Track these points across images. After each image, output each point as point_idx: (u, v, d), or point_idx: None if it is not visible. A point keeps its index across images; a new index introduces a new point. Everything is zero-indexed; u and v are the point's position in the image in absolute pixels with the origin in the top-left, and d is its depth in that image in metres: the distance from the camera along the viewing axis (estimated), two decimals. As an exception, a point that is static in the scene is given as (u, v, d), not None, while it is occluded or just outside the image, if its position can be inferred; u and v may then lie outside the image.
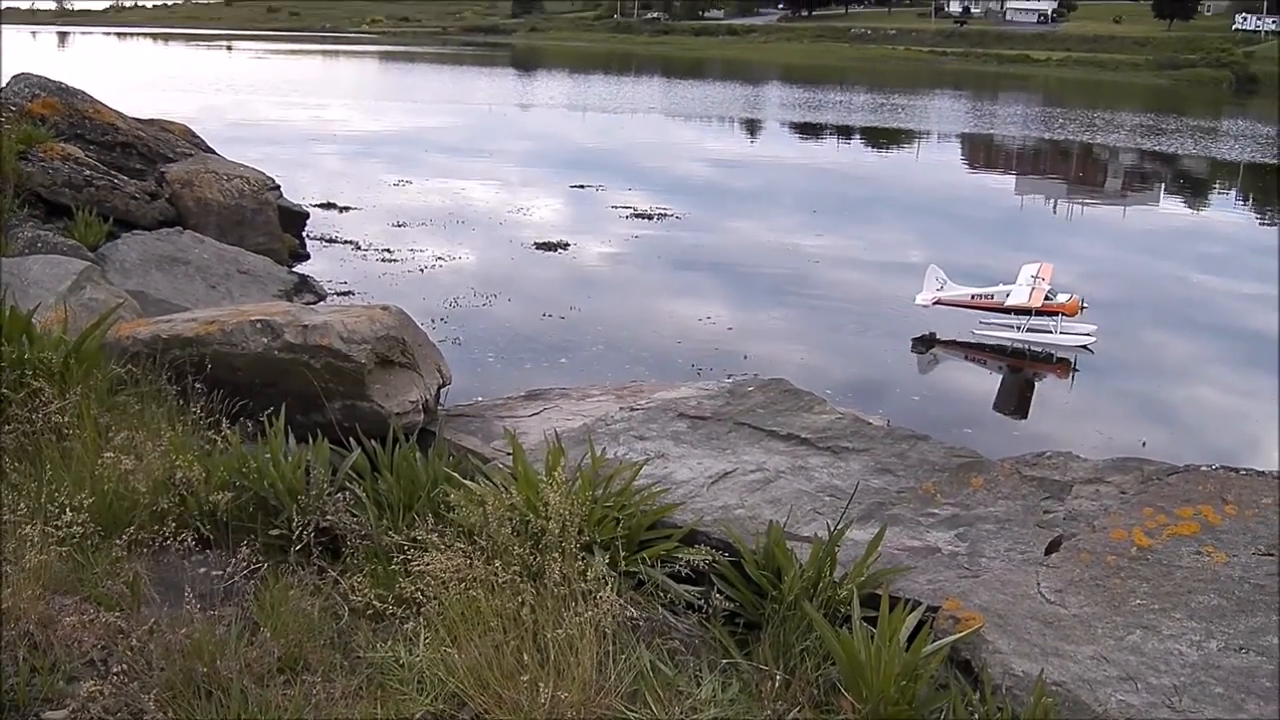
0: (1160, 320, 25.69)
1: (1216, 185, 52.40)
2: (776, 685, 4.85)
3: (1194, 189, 51.08)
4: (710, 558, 5.75)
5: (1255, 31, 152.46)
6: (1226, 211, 46.55)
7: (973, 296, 20.99)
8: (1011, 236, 35.19)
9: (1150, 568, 5.79)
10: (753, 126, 66.62)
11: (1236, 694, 4.91)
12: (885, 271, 27.75)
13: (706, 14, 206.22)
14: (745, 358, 19.21)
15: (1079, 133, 61.66)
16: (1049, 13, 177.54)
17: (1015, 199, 45.19)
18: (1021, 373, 20.08)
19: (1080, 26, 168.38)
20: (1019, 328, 20.65)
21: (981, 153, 58.92)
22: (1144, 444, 15.95)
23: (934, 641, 5.03)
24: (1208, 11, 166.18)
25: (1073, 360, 20.36)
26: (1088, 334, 20.69)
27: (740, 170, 45.47)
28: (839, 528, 5.81)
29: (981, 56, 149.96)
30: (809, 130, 64.56)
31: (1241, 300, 28.37)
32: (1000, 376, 19.91)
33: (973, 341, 20.88)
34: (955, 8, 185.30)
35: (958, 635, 5.20)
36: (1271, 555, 5.86)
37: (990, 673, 5.04)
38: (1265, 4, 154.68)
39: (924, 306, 21.29)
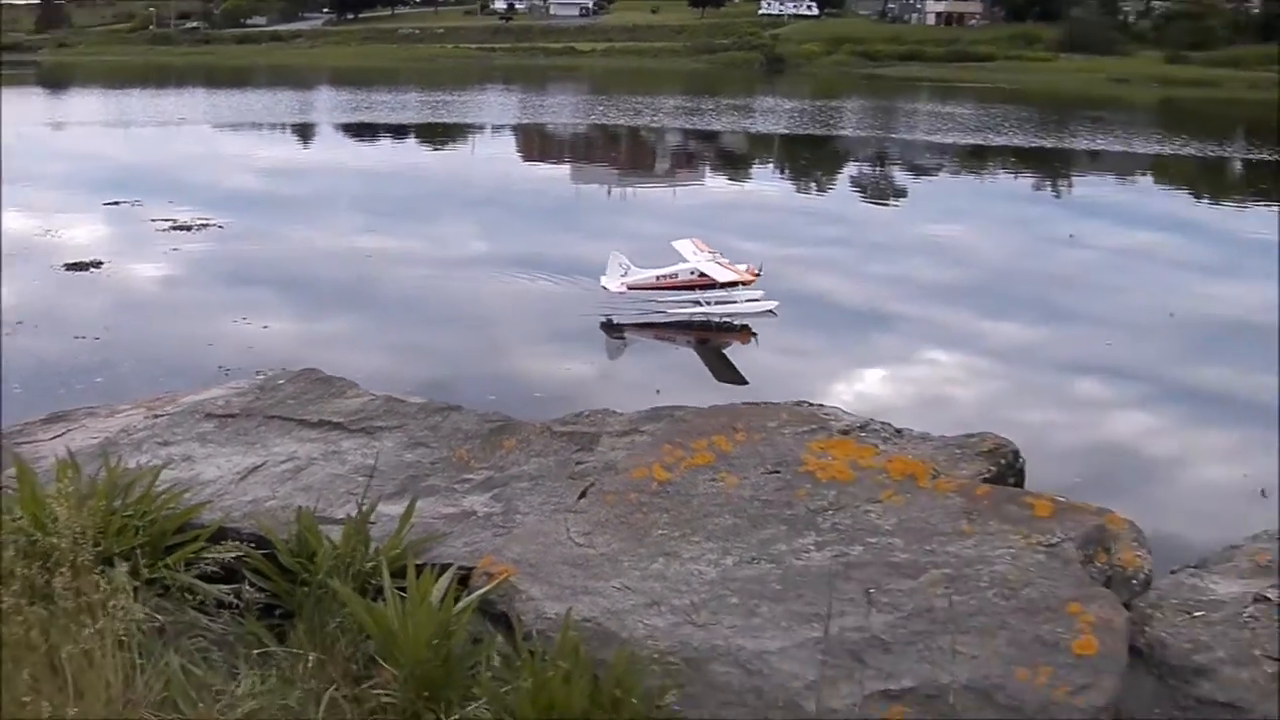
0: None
1: (756, 160, 55.76)
2: (310, 666, 4.77)
3: (735, 164, 54.21)
4: (241, 552, 5.59)
5: (780, 15, 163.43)
6: (765, 183, 49.77)
7: (658, 278, 21.16)
8: (570, 222, 36.23)
9: (670, 499, 6.07)
10: (304, 132, 65.26)
11: (750, 600, 5.25)
12: (449, 266, 27.97)
13: (248, 21, 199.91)
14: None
15: (626, 118, 64.02)
16: (590, 6, 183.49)
17: (572, 187, 46.46)
18: (709, 343, 20.51)
19: (620, 17, 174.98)
20: (708, 302, 21.02)
21: (536, 144, 60.26)
22: None
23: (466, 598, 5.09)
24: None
25: (753, 326, 21.00)
26: (769, 300, 21.21)
27: (293, 177, 44.37)
28: (368, 505, 5.78)
29: (529, 50, 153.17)
30: (362, 132, 63.85)
31: (790, 264, 30.49)
32: (692, 350, 20.28)
33: (660, 321, 21.10)
34: (500, 4, 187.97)
35: (486, 589, 5.28)
36: (778, 472, 6.28)
37: (524, 619, 5.15)
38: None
39: (620, 293, 21.14)
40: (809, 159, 55.04)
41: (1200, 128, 74.32)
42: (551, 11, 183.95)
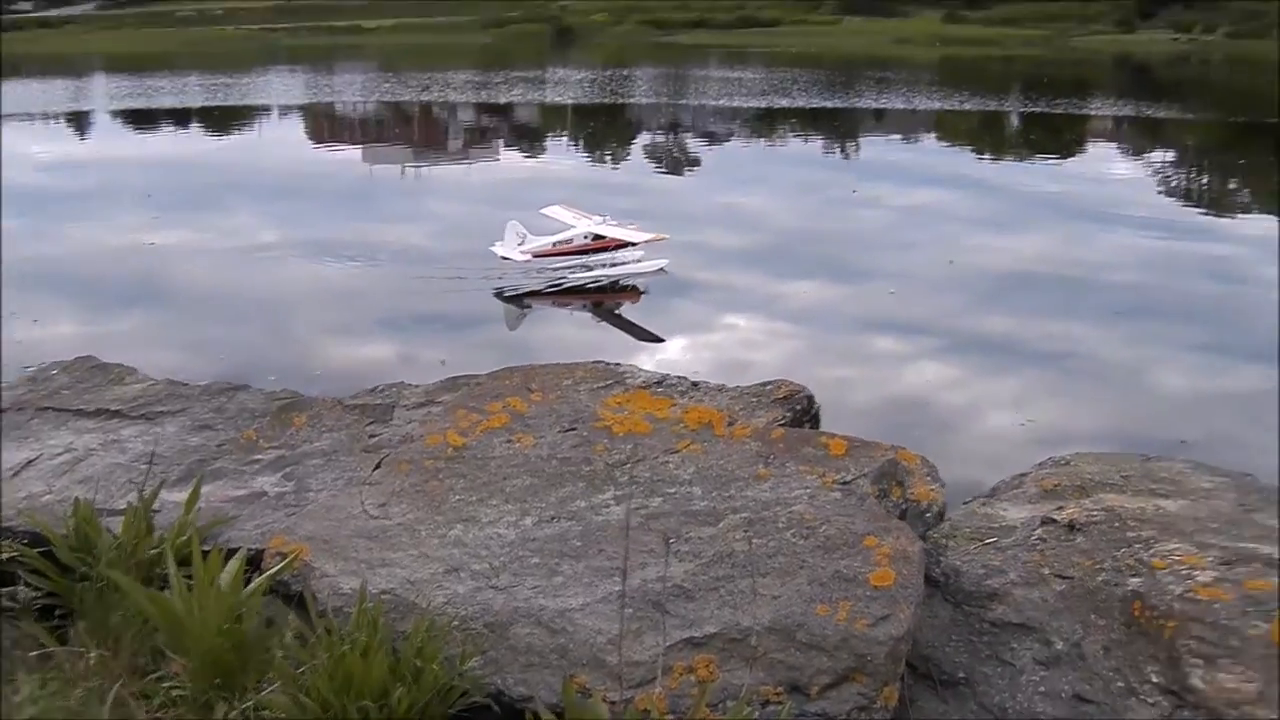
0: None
1: (550, 133, 55.61)
2: (92, 663, 4.56)
3: (530, 138, 53.99)
4: (15, 552, 5.31)
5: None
6: (560, 156, 49.72)
7: (555, 244, 20.67)
8: (365, 205, 35.56)
9: (466, 464, 6.01)
10: (79, 123, 62.40)
11: (551, 559, 5.22)
12: (240, 257, 27.22)
13: (13, 6, 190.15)
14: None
15: (415, 94, 62.68)
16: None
17: (365, 168, 45.62)
18: (603, 305, 20.16)
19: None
20: (607, 264, 20.65)
21: (325, 126, 58.88)
22: None
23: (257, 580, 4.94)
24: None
25: (643, 286, 20.67)
26: (660, 259, 20.92)
27: (67, 171, 42.39)
28: (149, 491, 5.55)
29: (313, 29, 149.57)
30: (142, 121, 61.31)
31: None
32: (589, 314, 19.88)
33: (554, 289, 20.67)
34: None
35: (276, 569, 5.13)
36: (575, 429, 6.27)
37: (320, 597, 5.02)
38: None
39: (521, 261, 20.50)
40: (602, 130, 55.03)
41: (979, 84, 77.01)
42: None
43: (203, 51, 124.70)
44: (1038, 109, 61.11)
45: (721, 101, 57.10)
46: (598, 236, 20.78)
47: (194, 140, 54.35)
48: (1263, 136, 52.83)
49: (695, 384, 8.86)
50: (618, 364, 7.47)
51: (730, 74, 75.21)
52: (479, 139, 54.46)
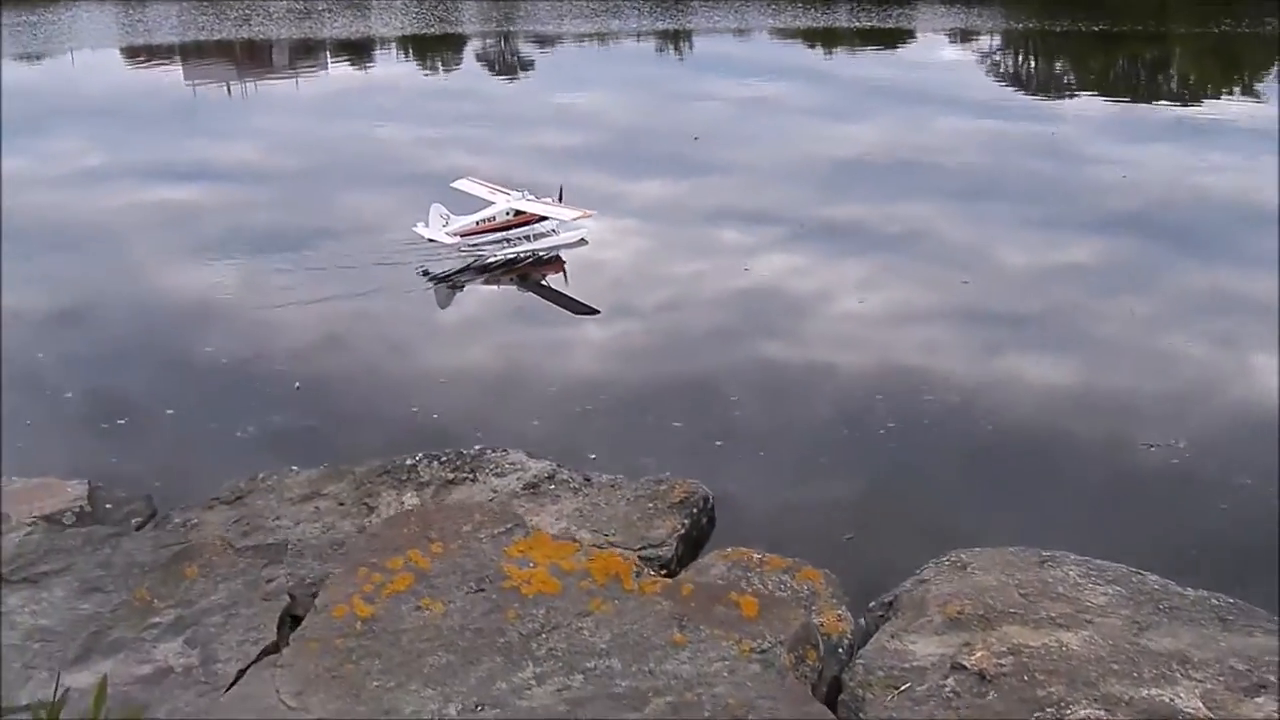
0: (352, 178, 26.67)
1: (378, 47, 54.23)
2: None
3: (357, 50, 52.67)
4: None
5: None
6: (390, 66, 48.74)
7: (478, 223, 20.33)
8: (190, 124, 34.44)
9: (378, 639, 5.85)
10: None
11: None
12: (64, 185, 26.19)
13: None
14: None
15: (236, 29, 59.40)
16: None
17: (187, 88, 44.05)
18: (530, 279, 19.91)
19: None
20: (528, 237, 20.51)
21: (143, 49, 56.12)
22: None
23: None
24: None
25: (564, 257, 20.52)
26: (578, 229, 20.72)
27: None
28: (60, 695, 5.19)
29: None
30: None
31: (424, 146, 30.11)
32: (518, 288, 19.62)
33: (485, 263, 20.37)
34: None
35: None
36: (483, 590, 6.21)
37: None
38: None
39: (449, 244, 20.12)
40: (431, 49, 53.69)
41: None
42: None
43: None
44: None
45: (547, 28, 55.75)
46: (518, 212, 20.66)
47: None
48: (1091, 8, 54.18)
49: (588, 479, 9.02)
50: (504, 461, 7.40)
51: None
52: (304, 54, 52.74)
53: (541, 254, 20.65)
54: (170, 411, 14.32)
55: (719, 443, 13.32)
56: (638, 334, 17.36)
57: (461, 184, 21.99)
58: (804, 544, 9.35)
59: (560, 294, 19.13)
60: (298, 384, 15.09)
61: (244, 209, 24.20)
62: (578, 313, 18.30)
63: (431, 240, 19.99)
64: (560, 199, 20.73)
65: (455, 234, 20.05)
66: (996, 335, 16.96)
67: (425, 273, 19.92)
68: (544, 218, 20.61)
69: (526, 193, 20.84)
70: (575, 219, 20.22)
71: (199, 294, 18.97)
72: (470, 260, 20.34)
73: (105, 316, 18.21)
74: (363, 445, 11.93)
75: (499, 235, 20.56)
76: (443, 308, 19.16)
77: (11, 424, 13.49)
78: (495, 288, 20.10)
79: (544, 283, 19.81)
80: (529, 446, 11.09)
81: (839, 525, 10.97)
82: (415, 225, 20.30)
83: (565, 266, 20.22)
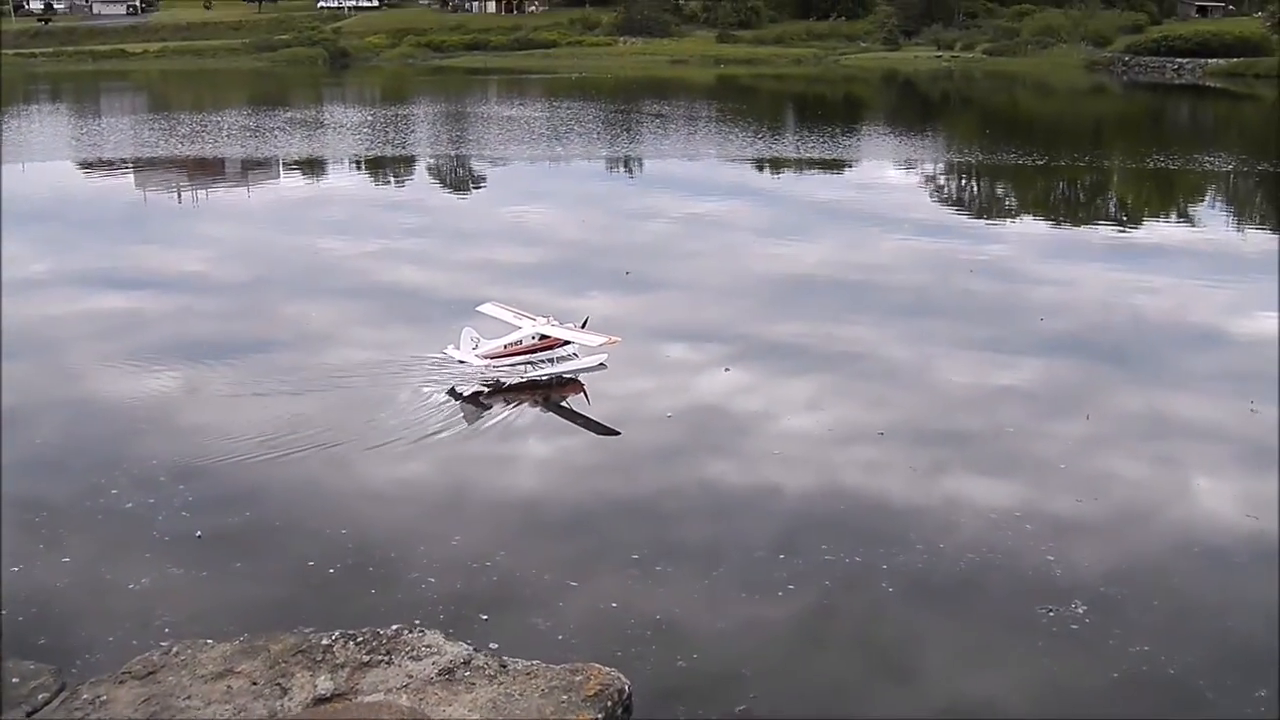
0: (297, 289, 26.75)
1: (330, 158, 54.49)
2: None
3: (310, 162, 52.95)
4: None
5: (340, 8, 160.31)
6: (342, 178, 49.02)
7: (506, 346, 20.64)
8: (139, 230, 34.48)
9: None
10: None
11: None
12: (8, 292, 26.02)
13: None
14: None
15: (187, 143, 58.98)
16: (138, 4, 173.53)
17: (138, 193, 44.11)
18: (551, 400, 20.07)
19: (171, 15, 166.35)
20: (551, 360, 20.78)
21: (97, 162, 55.86)
22: None
23: None
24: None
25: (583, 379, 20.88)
26: (598, 355, 21.05)
27: None
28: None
29: (75, 55, 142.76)
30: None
31: (366, 259, 30.24)
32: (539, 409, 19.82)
33: (508, 384, 20.68)
34: (37, 5, 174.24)
35: None
36: None
37: None
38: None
39: (480, 368, 20.40)
40: (383, 164, 53.89)
41: (752, 106, 79.10)
42: (95, 10, 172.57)
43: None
44: (811, 130, 62.78)
45: (505, 149, 56.06)
46: (544, 336, 21.05)
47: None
48: (1029, 143, 55.52)
49: (504, 665, 9.10)
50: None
51: (511, 111, 74.10)
52: (257, 164, 52.83)
53: (564, 376, 20.97)
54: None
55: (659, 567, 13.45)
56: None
57: (486, 308, 22.34)
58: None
59: (580, 415, 19.42)
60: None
61: (186, 317, 24.24)
62: (600, 434, 18.59)
63: (461, 361, 20.41)
64: (584, 326, 21.05)
65: (487, 356, 20.49)
66: (940, 454, 17.15)
67: (452, 391, 20.21)
68: (567, 342, 20.97)
69: (551, 318, 21.19)
70: (600, 344, 20.58)
71: (133, 401, 19.00)
72: (493, 380, 20.69)
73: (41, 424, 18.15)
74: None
75: (523, 358, 20.93)
76: (470, 424, 19.28)
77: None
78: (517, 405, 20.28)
79: (564, 404, 20.07)
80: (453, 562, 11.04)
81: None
82: (446, 348, 20.79)
83: (585, 388, 20.51)
